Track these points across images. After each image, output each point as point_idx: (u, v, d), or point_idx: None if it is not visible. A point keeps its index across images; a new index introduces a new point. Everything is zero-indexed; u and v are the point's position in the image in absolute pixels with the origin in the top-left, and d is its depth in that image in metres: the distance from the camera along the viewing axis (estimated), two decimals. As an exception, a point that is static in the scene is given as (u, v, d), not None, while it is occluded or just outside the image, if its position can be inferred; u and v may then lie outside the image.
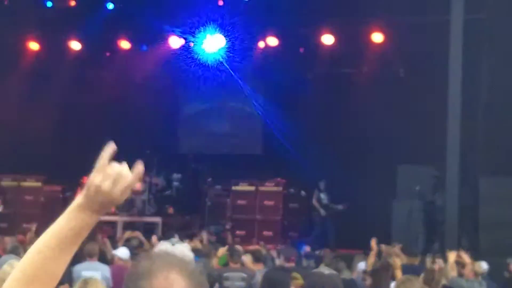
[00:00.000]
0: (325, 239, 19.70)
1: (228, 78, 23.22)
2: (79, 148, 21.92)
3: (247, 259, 11.78)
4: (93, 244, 11.00)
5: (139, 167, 2.31)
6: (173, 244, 4.93)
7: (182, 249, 4.65)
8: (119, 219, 19.74)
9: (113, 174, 2.27)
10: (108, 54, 23.97)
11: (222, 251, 12.11)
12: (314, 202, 20.42)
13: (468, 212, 18.09)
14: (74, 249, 2.27)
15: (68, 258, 2.27)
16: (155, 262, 2.28)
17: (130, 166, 2.32)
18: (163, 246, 4.90)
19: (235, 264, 11.37)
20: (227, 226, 20.16)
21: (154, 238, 14.69)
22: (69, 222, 2.26)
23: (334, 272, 5.86)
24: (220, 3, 21.53)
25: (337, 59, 21.95)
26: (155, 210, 20.75)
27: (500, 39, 18.97)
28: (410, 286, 6.30)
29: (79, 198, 2.29)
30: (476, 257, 13.44)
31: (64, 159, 22.31)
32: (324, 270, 5.82)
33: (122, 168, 2.29)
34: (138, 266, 2.28)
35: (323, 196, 20.33)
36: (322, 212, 20.23)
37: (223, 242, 17.06)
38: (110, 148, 2.30)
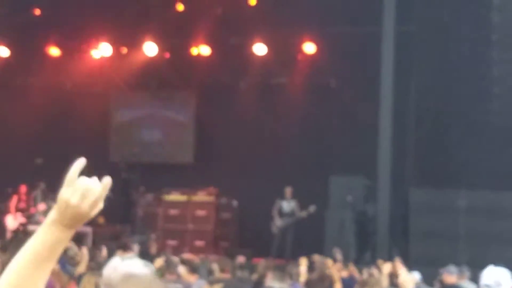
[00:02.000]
0: (282, 250, 19.52)
1: (160, 86, 23.18)
2: (9, 157, 21.57)
3: (182, 270, 11.69)
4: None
5: (107, 180, 2.31)
6: (122, 260, 4.79)
7: (137, 266, 4.54)
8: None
9: (81, 189, 2.27)
10: (37, 60, 23.52)
11: (159, 262, 12.01)
12: (273, 211, 19.87)
13: (399, 222, 18.35)
14: (50, 266, 2.26)
15: (44, 275, 2.25)
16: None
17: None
18: (113, 263, 4.77)
19: (171, 275, 11.28)
20: (152, 236, 19.97)
21: (84, 249, 14.48)
22: (42, 238, 2.26)
23: (285, 286, 5.84)
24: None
25: (269, 69, 22.01)
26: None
27: (429, 51, 19.32)
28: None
29: (52, 214, 2.29)
30: (406, 267, 13.60)
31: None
32: (274, 284, 5.80)
33: (90, 181, 2.29)
34: None
35: (285, 204, 19.92)
36: (278, 223, 19.87)
37: (147, 253, 16.92)
38: (79, 162, 2.30)
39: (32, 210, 20.25)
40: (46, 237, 2.26)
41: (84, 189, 2.27)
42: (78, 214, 2.28)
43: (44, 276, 2.24)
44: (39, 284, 2.23)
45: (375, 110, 17.77)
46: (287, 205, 19.80)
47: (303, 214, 19.38)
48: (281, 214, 19.81)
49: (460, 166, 18.11)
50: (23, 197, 20.21)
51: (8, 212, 20.54)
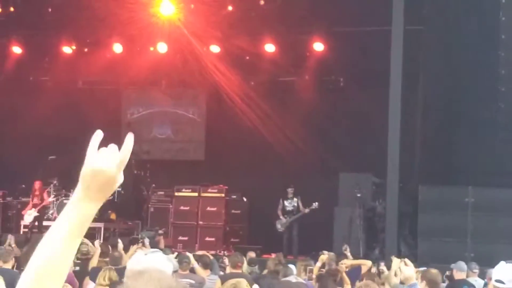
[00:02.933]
0: (289, 247, 19.68)
1: (171, 83, 23.32)
2: (22, 154, 21.74)
3: (197, 265, 11.87)
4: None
5: (130, 137, 2.29)
6: (145, 254, 4.93)
7: (158, 260, 4.68)
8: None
9: (103, 153, 2.26)
10: (49, 58, 23.67)
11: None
12: (278, 211, 20.10)
13: (407, 218, 18.46)
14: (78, 242, 2.29)
15: (73, 252, 2.28)
16: (132, 284, 2.36)
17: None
18: (136, 256, 4.91)
19: (184, 271, 11.42)
20: (160, 231, 20.11)
21: (96, 243, 14.71)
22: (70, 216, 2.27)
23: (301, 280, 5.98)
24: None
25: (279, 67, 22.11)
26: (97, 215, 20.58)
27: (437, 50, 19.43)
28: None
29: (76, 193, 2.29)
30: (414, 263, 13.71)
31: (3, 164, 22.09)
32: (292, 278, 5.93)
33: (111, 147, 2.28)
34: None
35: (287, 203, 20.09)
36: (282, 221, 20.02)
37: (155, 247, 17.08)
38: (97, 135, 2.29)
39: (45, 203, 20.47)
40: (74, 215, 2.26)
41: (106, 153, 2.26)
42: (106, 179, 2.26)
43: (73, 252, 2.28)
44: (69, 261, 2.27)
45: (384, 108, 17.85)
46: (290, 203, 20.01)
47: (306, 210, 19.55)
48: (284, 212, 20.02)
49: (468, 164, 18.22)
50: (38, 192, 20.42)
51: (23, 208, 20.77)
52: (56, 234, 2.27)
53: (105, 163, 2.25)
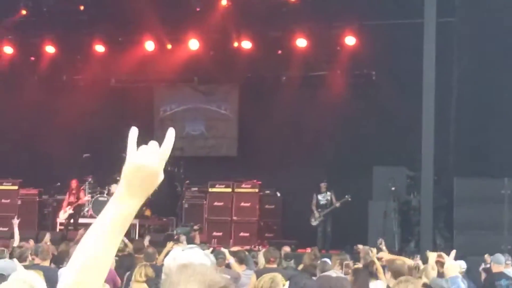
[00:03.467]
0: (324, 241, 19.65)
1: (203, 80, 23.35)
2: (57, 153, 21.88)
3: (232, 261, 11.86)
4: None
5: (171, 131, 2.31)
6: (183, 250, 4.91)
7: (198, 255, 4.65)
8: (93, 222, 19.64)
9: (144, 149, 2.27)
10: (82, 57, 23.77)
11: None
12: (312, 206, 20.09)
13: (442, 212, 18.32)
14: (120, 239, 2.30)
15: (115, 248, 2.29)
16: (176, 277, 2.34)
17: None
18: (174, 252, 4.89)
19: (219, 267, 11.40)
20: (195, 227, 20.15)
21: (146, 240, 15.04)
22: (112, 213, 2.27)
23: (341, 275, 5.93)
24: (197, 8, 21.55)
25: (310, 62, 22.04)
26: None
27: (471, 42, 19.24)
28: (408, 286, 6.33)
29: (118, 190, 2.30)
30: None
31: (39, 163, 22.26)
32: (331, 273, 5.88)
33: (151, 144, 2.29)
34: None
35: (321, 197, 20.03)
36: (316, 215, 19.95)
37: (191, 243, 17.12)
38: (133, 131, 2.31)
39: (81, 202, 20.60)
40: (116, 212, 2.27)
41: (147, 149, 2.27)
42: (148, 175, 2.26)
43: (115, 249, 2.30)
44: (110, 258, 2.29)
45: (417, 101, 17.70)
46: (323, 197, 20.01)
47: (337, 204, 19.52)
48: (318, 206, 20.02)
49: (503, 156, 18.04)
50: (74, 191, 20.54)
51: (59, 206, 20.92)
52: (99, 231, 2.28)
53: (147, 159, 2.26)
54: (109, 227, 2.27)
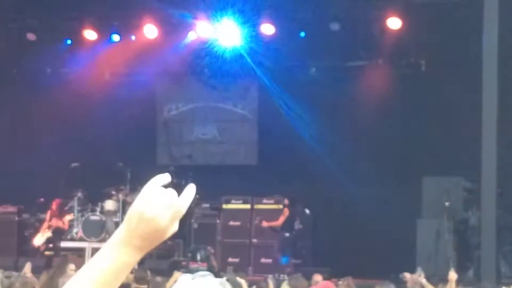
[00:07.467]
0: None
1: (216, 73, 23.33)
2: (38, 161, 21.95)
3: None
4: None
5: (192, 188, 2.37)
6: (193, 278, 4.82)
7: (212, 285, 4.57)
8: (88, 245, 19.69)
9: (159, 198, 2.31)
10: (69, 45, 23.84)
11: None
12: None
13: (508, 233, 18.22)
14: None
15: None
16: None
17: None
18: (182, 281, 4.81)
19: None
20: (211, 250, 20.17)
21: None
22: (107, 261, 2.28)
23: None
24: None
25: (345, 50, 22.00)
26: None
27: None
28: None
29: (119, 231, 2.31)
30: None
31: (19, 174, 22.30)
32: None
33: (170, 192, 2.33)
34: None
35: None
36: None
37: (209, 266, 17.18)
38: (164, 177, 2.37)
39: (61, 226, 20.59)
40: (111, 261, 2.28)
41: (162, 199, 2.31)
42: (153, 230, 2.30)
43: None
44: None
45: (476, 97, 17.59)
46: None
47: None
48: None
49: None
50: (57, 213, 20.61)
51: (38, 230, 20.94)
52: (85, 281, 2.26)
53: (157, 213, 2.30)
54: (98, 277, 2.26)
